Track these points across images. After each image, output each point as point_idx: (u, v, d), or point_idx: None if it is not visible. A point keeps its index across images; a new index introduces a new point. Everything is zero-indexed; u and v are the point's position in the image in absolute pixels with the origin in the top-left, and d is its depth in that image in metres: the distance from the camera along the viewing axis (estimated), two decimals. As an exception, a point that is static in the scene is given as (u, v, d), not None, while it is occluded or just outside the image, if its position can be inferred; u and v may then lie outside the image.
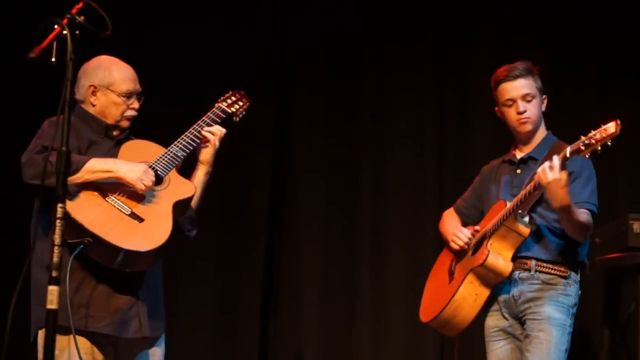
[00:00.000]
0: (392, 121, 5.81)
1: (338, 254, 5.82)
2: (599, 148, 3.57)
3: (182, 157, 3.60)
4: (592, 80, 5.61)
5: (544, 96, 4.07)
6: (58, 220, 2.89)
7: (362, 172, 5.85)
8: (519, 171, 4.06)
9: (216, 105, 3.84)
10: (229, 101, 3.87)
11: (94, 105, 3.61)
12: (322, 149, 5.88)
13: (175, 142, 3.63)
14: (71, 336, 3.30)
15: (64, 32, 2.96)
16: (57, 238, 2.88)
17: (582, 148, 3.60)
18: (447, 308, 3.99)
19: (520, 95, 4.01)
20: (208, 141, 3.69)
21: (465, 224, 4.22)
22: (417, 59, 5.82)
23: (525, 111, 4.02)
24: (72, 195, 3.34)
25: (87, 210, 3.34)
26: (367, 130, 5.85)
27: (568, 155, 3.65)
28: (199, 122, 3.72)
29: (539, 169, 3.74)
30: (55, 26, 2.98)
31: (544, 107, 4.07)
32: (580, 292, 3.98)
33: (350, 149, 5.87)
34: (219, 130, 3.70)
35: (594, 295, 4.91)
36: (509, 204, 3.89)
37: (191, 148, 3.63)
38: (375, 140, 5.85)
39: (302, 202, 5.88)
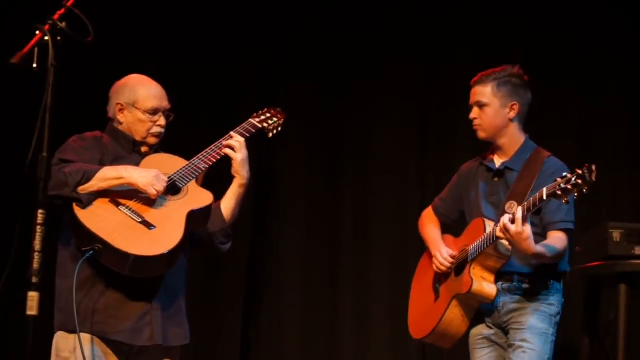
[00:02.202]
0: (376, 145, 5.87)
1: (320, 261, 5.84)
2: (576, 194, 3.53)
3: (203, 169, 3.61)
4: (572, 95, 5.66)
5: (513, 103, 3.99)
6: (38, 227, 2.90)
7: (345, 176, 5.90)
8: (496, 179, 4.05)
9: (248, 120, 3.84)
10: (262, 117, 3.87)
11: (121, 123, 3.66)
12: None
13: (198, 155, 3.64)
14: (81, 337, 3.34)
15: (46, 38, 2.96)
16: (37, 244, 2.88)
17: (559, 193, 3.55)
18: (437, 328, 4.04)
19: (473, 102, 4.05)
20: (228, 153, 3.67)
21: (444, 225, 4.27)
22: (400, 85, 5.84)
23: (475, 118, 4.04)
24: (86, 204, 3.38)
25: (98, 218, 3.37)
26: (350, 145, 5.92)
27: (545, 198, 3.61)
28: (226, 135, 3.72)
29: (497, 226, 3.71)
30: (37, 32, 2.98)
31: (511, 115, 4.00)
32: (563, 300, 3.99)
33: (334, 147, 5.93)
34: (237, 141, 3.68)
35: (574, 304, 4.91)
36: (488, 229, 3.87)
37: (213, 160, 3.63)
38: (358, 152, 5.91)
39: (285, 205, 5.91)
